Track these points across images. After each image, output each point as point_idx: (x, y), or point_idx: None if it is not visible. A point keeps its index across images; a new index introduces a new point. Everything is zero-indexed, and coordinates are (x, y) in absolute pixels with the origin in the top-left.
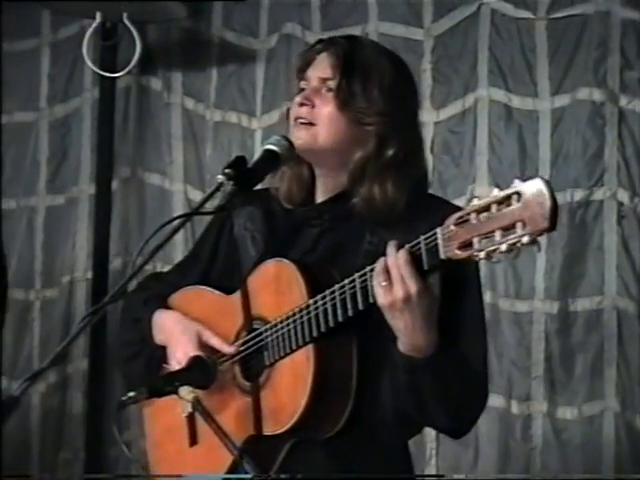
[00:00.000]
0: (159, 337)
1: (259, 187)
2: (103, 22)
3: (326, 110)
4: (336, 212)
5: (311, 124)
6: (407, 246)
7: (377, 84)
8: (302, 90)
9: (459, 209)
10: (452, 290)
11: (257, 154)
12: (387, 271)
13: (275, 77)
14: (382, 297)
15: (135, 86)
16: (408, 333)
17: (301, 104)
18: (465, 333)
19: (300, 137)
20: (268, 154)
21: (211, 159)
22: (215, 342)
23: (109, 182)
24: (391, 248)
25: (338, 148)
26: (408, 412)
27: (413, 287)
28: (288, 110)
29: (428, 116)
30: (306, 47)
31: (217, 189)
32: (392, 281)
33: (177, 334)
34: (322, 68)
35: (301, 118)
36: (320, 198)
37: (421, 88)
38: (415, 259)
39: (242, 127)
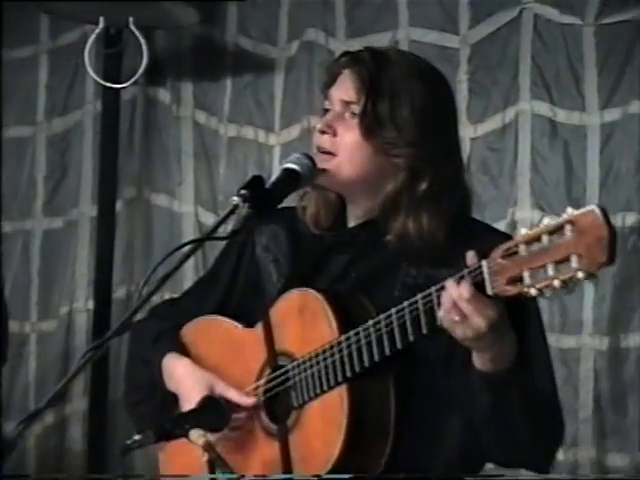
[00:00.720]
0: (170, 384)
1: (284, 205)
2: (107, 28)
3: (349, 139)
4: (369, 238)
5: (333, 154)
6: (467, 278)
7: (408, 108)
8: (326, 111)
9: (505, 236)
10: (513, 316)
11: (276, 173)
12: (456, 306)
13: (295, 88)
14: (461, 331)
15: (142, 98)
16: (494, 350)
17: (322, 132)
18: (533, 362)
19: (323, 170)
20: (288, 174)
21: (225, 178)
22: (232, 395)
23: (112, 204)
24: (452, 286)
25: (364, 179)
26: (483, 447)
27: (491, 314)
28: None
29: (464, 132)
30: (330, 56)
31: (231, 212)
32: (466, 315)
33: (188, 387)
34: (345, 89)
35: (322, 148)
36: (351, 222)
37: (456, 101)
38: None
39: (259, 143)
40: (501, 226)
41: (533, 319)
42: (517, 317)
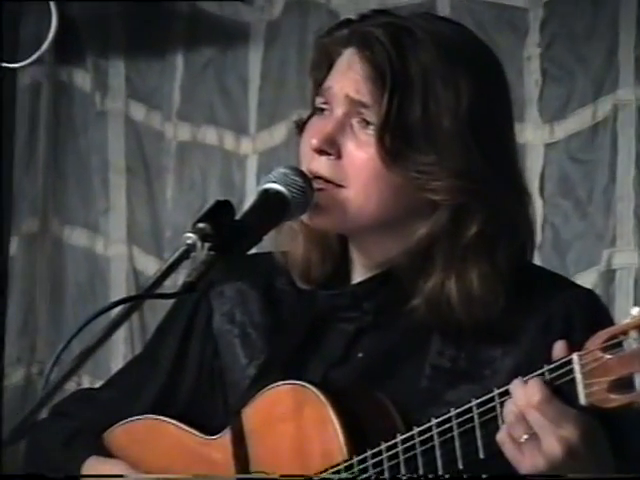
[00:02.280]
0: None
1: (255, 250)
2: None
3: (363, 163)
4: (385, 300)
5: (337, 185)
6: (547, 377)
7: (450, 114)
8: (320, 111)
9: (597, 306)
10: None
11: (251, 197)
12: (523, 418)
13: (280, 69)
14: (529, 460)
15: (48, 83)
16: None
17: (319, 151)
18: None
19: (319, 207)
20: (270, 198)
21: (174, 205)
22: None
23: (4, 241)
24: (517, 388)
25: (383, 221)
26: None
27: (574, 434)
28: (301, 124)
29: (533, 135)
30: (331, 20)
31: (184, 256)
32: (537, 432)
33: None
34: (352, 82)
35: (318, 175)
36: (358, 276)
37: (522, 88)
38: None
39: (225, 151)
40: (591, 278)
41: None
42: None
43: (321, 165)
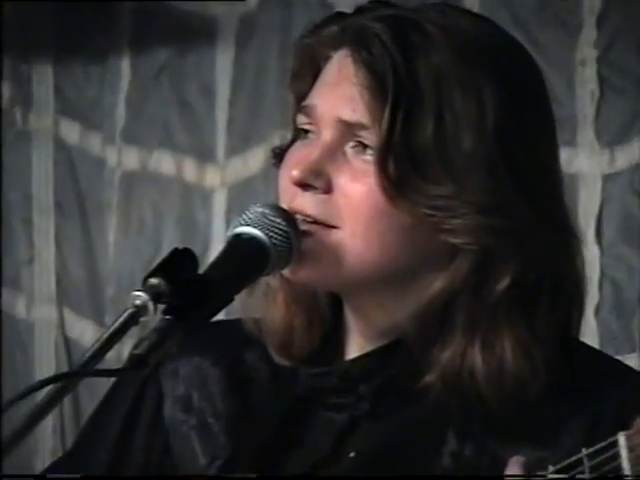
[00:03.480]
0: None
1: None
2: None
3: (359, 197)
4: (386, 380)
5: (327, 227)
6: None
7: (472, 133)
8: (303, 133)
9: None
10: None
11: (218, 245)
12: None
13: (256, 76)
14: None
15: None
16: None
17: (302, 184)
18: None
19: (305, 256)
20: (243, 246)
21: (117, 253)
22: None
23: None
24: (514, 467)
25: (388, 273)
26: None
27: None
28: (280, 151)
29: (588, 163)
30: (324, 12)
31: (131, 321)
32: None
33: None
34: (344, 98)
35: (305, 216)
36: (353, 349)
37: (573, 102)
38: None
39: (185, 183)
40: None
41: None
42: None
43: (306, 201)
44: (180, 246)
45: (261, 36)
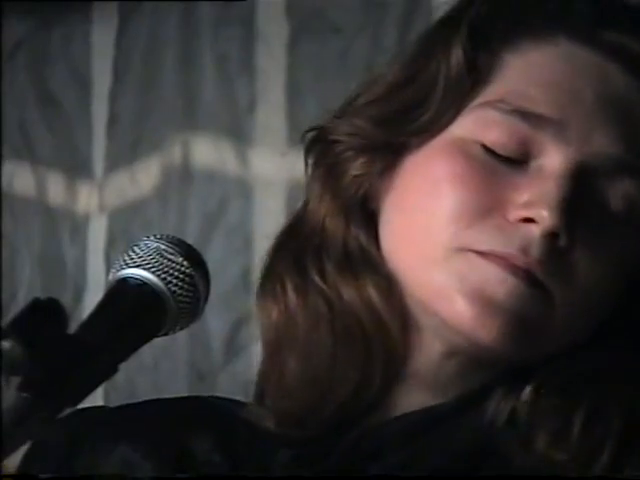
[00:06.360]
0: None
1: None
2: None
3: (603, 259)
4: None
5: (542, 289)
6: None
7: None
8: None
9: None
10: None
11: (95, 293)
12: None
13: (146, 56)
14: None
15: None
16: None
17: (551, 234)
18: None
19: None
20: (129, 296)
21: None
22: None
23: None
24: None
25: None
26: None
27: None
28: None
29: None
30: None
31: None
32: None
33: None
34: (603, 118)
35: (522, 271)
36: (400, 405)
37: None
38: None
39: (48, 208)
40: None
41: None
42: None
43: (543, 251)
44: (42, 294)
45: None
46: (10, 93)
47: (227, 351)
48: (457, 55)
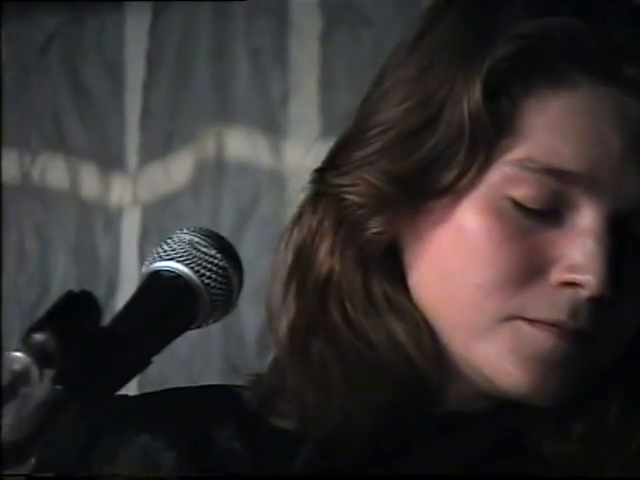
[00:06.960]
0: None
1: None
2: None
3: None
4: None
5: (591, 343)
6: None
7: None
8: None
9: None
10: None
11: (130, 285)
12: None
13: (180, 49)
14: None
15: None
16: None
17: (599, 299)
18: None
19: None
20: (162, 288)
21: None
22: None
23: None
24: None
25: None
26: None
27: None
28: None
29: None
30: None
31: (7, 392)
32: None
33: None
34: (633, 177)
35: (573, 334)
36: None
37: None
38: None
39: (82, 201)
40: None
41: None
42: None
43: (592, 312)
44: (75, 287)
45: None
46: (43, 85)
47: (261, 344)
48: (478, 100)
